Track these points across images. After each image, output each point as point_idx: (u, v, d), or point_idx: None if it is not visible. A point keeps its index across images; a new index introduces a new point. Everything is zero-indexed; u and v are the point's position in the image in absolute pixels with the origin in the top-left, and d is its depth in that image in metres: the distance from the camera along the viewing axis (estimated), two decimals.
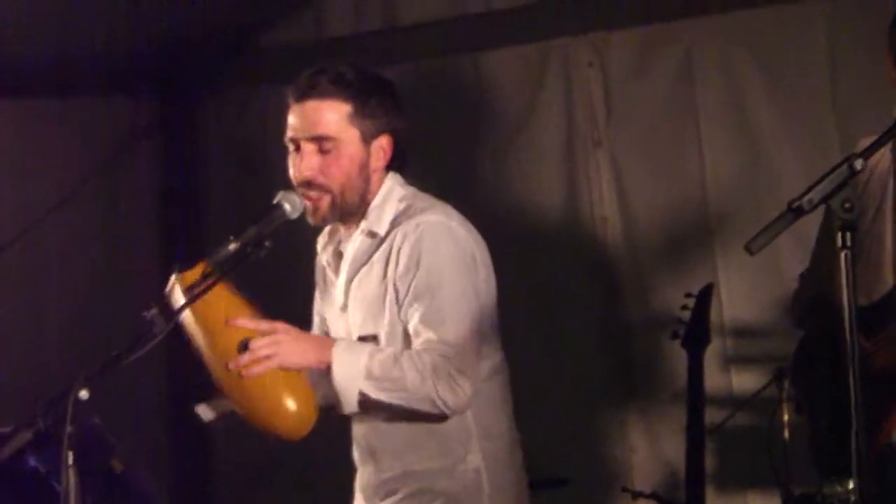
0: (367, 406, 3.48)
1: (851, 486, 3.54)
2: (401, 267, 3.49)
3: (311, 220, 3.57)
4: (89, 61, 5.69)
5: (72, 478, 2.96)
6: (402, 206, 3.58)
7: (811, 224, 3.88)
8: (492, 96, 5.60)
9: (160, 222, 6.14)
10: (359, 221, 3.60)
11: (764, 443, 4.41)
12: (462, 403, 3.44)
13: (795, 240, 4.13)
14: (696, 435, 4.43)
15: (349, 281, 3.63)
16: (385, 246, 3.54)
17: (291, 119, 3.55)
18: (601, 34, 5.41)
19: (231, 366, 3.38)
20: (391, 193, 3.61)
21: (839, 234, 2.81)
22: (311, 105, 3.51)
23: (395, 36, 5.73)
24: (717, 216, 5.15)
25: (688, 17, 5.26)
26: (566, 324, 5.42)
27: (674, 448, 4.83)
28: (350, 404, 3.46)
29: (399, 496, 3.61)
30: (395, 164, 3.63)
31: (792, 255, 4.29)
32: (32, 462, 3.14)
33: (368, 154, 3.56)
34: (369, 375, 3.41)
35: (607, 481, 5.26)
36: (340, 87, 3.52)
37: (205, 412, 3.52)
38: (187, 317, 3.44)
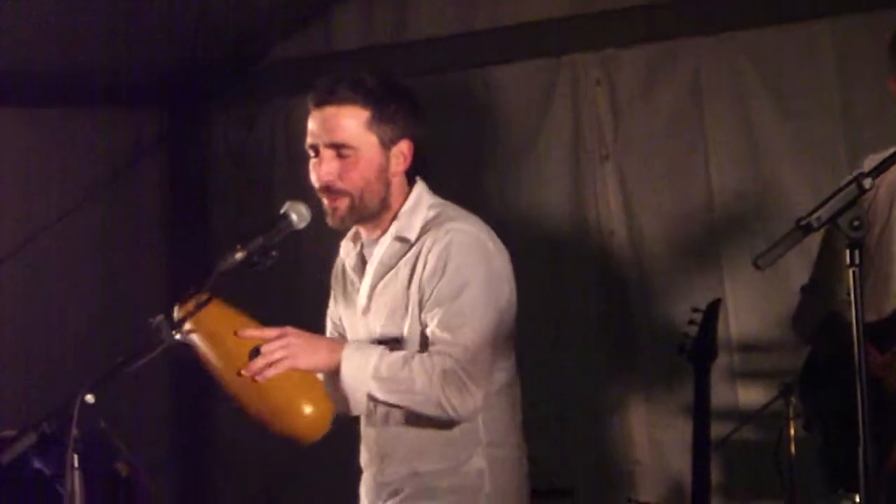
0: (377, 408, 3.51)
1: (858, 500, 3.53)
2: (427, 270, 3.50)
3: (330, 222, 3.58)
4: (98, 73, 5.70)
5: (76, 481, 2.97)
6: (431, 213, 3.59)
7: (818, 240, 3.89)
8: (500, 111, 5.60)
9: (166, 233, 6.15)
10: (381, 226, 3.61)
11: (770, 457, 4.40)
12: (470, 410, 3.44)
13: (802, 255, 4.13)
14: (702, 448, 4.42)
15: (374, 285, 3.63)
16: (413, 250, 3.55)
17: (311, 125, 3.55)
18: (610, 51, 5.43)
19: (244, 371, 3.39)
20: (421, 200, 3.61)
21: (848, 252, 2.82)
22: (330, 111, 3.51)
23: (405, 50, 5.74)
24: (724, 231, 5.16)
25: (696, 34, 5.26)
26: (572, 336, 5.42)
27: (679, 461, 4.82)
28: (359, 404, 3.47)
29: (401, 496, 3.61)
30: (416, 169, 3.63)
31: (799, 270, 4.27)
32: (37, 465, 3.14)
33: (388, 159, 3.55)
34: (377, 376, 3.42)
35: (613, 492, 5.25)
36: (359, 94, 3.51)
37: None
38: (197, 337, 3.45)
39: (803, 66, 5.08)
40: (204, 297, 3.37)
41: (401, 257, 3.58)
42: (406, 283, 3.55)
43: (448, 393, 3.40)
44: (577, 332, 5.42)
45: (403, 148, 3.56)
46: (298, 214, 3.44)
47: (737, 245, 5.04)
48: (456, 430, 3.52)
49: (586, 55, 5.45)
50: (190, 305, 3.39)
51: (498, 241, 3.60)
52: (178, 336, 3.34)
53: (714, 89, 5.24)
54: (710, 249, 5.18)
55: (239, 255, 3.36)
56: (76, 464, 2.96)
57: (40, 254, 5.64)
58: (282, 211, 3.46)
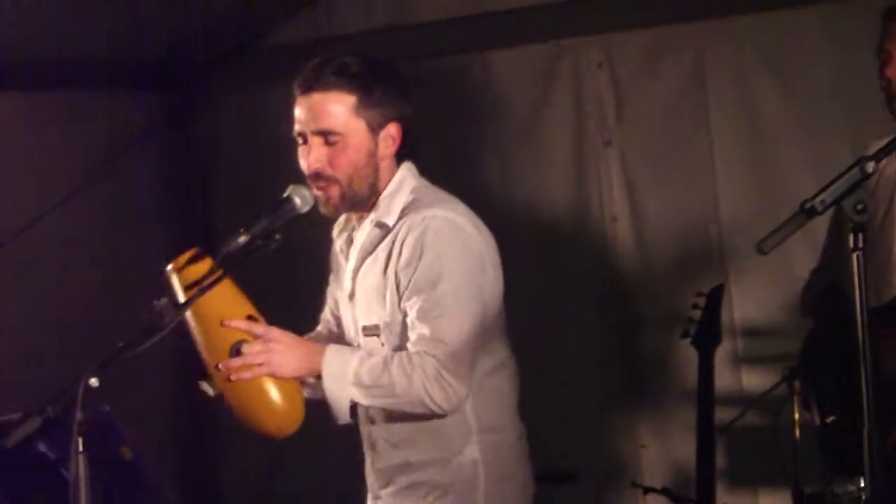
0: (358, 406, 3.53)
1: (862, 484, 3.52)
2: (403, 259, 3.48)
3: (323, 210, 3.57)
4: (94, 58, 5.68)
5: (81, 465, 2.96)
6: (411, 197, 3.57)
7: (823, 224, 3.88)
8: (501, 96, 5.58)
9: (165, 218, 6.13)
10: (370, 210, 3.60)
11: (774, 441, 4.39)
12: (454, 403, 3.44)
13: (806, 239, 4.12)
14: (706, 433, 4.42)
15: (356, 270, 3.63)
16: (390, 237, 3.54)
17: (298, 112, 3.55)
18: (611, 35, 5.40)
19: (221, 367, 3.39)
20: (403, 184, 3.60)
21: (851, 236, 2.82)
22: (317, 98, 3.51)
23: (405, 34, 5.71)
24: (727, 215, 5.14)
25: (697, 19, 5.24)
26: (576, 322, 5.41)
27: (684, 446, 4.81)
28: (342, 412, 3.49)
29: (394, 488, 3.62)
30: (406, 150, 3.62)
31: (803, 254, 4.27)
32: (42, 448, 3.13)
33: (376, 143, 3.55)
34: (358, 383, 3.43)
35: (617, 477, 5.26)
36: (344, 79, 3.50)
37: (208, 388, 3.51)
38: (188, 314, 3.46)
39: (805, 48, 5.06)
40: (205, 266, 3.39)
41: (379, 243, 3.57)
42: (383, 270, 3.54)
43: (430, 391, 3.40)
44: (581, 318, 5.41)
45: (392, 131, 3.56)
46: (302, 198, 3.46)
47: (740, 229, 5.03)
48: (446, 419, 3.50)
49: (588, 39, 5.42)
50: (199, 267, 3.41)
51: (480, 224, 3.58)
52: (174, 294, 3.38)
53: (716, 72, 5.22)
54: (714, 234, 5.16)
55: (242, 239, 3.37)
56: (81, 447, 2.96)
57: (38, 239, 5.61)
58: (285, 195, 3.48)
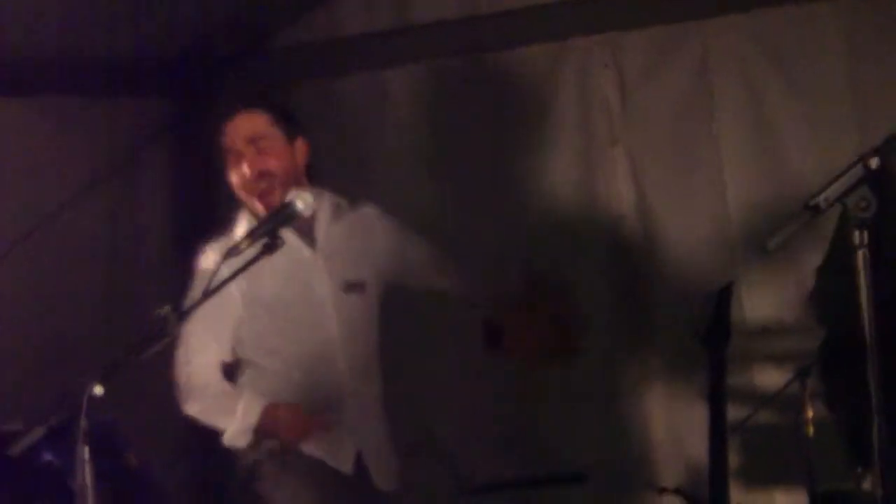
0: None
1: None
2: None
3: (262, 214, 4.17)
4: (102, 60, 5.67)
5: (87, 473, 2.95)
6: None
7: (832, 220, 3.85)
8: (506, 96, 5.57)
9: (171, 223, 6.10)
10: None
11: (788, 439, 4.38)
12: None
13: (815, 236, 4.10)
14: (718, 432, 4.39)
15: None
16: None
17: (227, 136, 4.33)
18: (617, 34, 5.38)
19: None
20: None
21: (855, 233, 2.81)
22: (242, 117, 4.33)
23: (409, 35, 5.69)
24: (736, 213, 5.13)
25: (704, 16, 5.23)
26: (585, 321, 5.38)
27: (697, 445, 4.78)
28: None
29: None
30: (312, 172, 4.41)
31: (812, 251, 4.25)
32: (47, 457, 3.12)
33: (293, 152, 4.31)
34: None
35: (630, 478, 5.23)
36: (258, 103, 4.37)
37: None
38: None
39: (810, 46, 5.05)
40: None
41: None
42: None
43: None
44: (590, 317, 5.38)
45: (300, 145, 4.30)
46: (304, 201, 3.67)
47: (749, 227, 5.01)
48: None
49: (594, 38, 5.41)
50: None
51: None
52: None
53: (722, 70, 5.21)
54: (722, 231, 5.15)
55: (244, 244, 3.53)
56: (87, 456, 2.95)
57: (43, 244, 5.59)
58: (287, 199, 3.72)
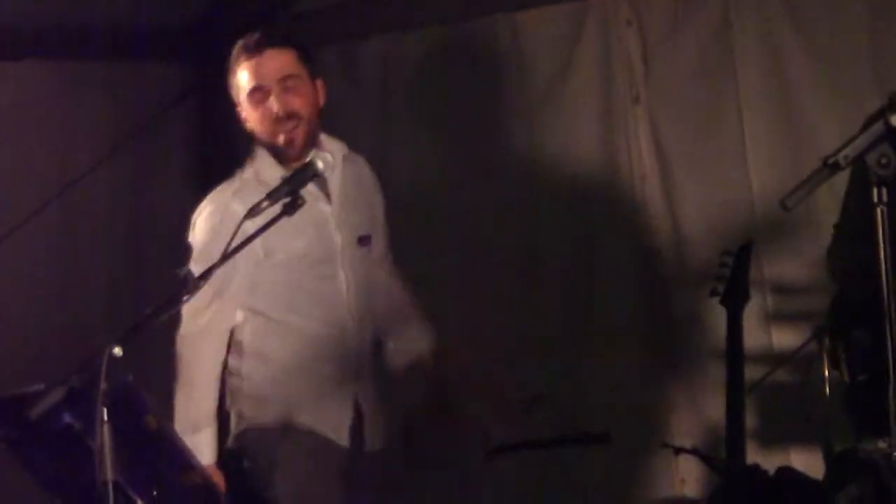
0: None
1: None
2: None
3: (288, 153, 4.21)
4: (124, 25, 5.68)
5: (106, 434, 2.97)
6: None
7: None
8: (528, 56, 5.56)
9: (194, 188, 6.10)
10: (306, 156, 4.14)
11: (804, 399, 4.38)
12: None
13: (833, 194, 4.10)
14: (735, 392, 4.39)
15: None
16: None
17: (251, 72, 4.21)
18: None
19: None
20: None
21: (875, 190, 2.79)
22: (269, 53, 4.20)
23: None
24: (755, 172, 5.10)
25: None
26: (605, 282, 5.39)
27: (714, 405, 4.79)
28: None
29: None
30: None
31: (830, 210, 4.24)
32: (67, 419, 3.14)
33: (316, 91, 4.26)
34: None
35: (647, 437, 5.23)
36: (285, 40, 4.23)
37: None
38: None
39: (833, 5, 5.00)
40: None
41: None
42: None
43: None
44: (609, 276, 5.39)
45: (320, 85, 4.25)
46: (324, 161, 3.69)
47: (769, 186, 4.99)
48: None
49: None
50: None
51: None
52: None
53: (743, 29, 5.17)
54: (742, 190, 5.12)
55: (265, 203, 3.52)
56: (106, 417, 2.97)
57: (67, 209, 5.62)
58: (307, 158, 3.77)
